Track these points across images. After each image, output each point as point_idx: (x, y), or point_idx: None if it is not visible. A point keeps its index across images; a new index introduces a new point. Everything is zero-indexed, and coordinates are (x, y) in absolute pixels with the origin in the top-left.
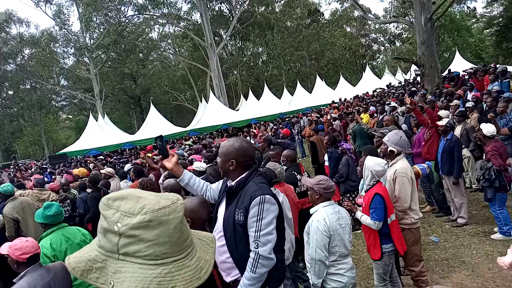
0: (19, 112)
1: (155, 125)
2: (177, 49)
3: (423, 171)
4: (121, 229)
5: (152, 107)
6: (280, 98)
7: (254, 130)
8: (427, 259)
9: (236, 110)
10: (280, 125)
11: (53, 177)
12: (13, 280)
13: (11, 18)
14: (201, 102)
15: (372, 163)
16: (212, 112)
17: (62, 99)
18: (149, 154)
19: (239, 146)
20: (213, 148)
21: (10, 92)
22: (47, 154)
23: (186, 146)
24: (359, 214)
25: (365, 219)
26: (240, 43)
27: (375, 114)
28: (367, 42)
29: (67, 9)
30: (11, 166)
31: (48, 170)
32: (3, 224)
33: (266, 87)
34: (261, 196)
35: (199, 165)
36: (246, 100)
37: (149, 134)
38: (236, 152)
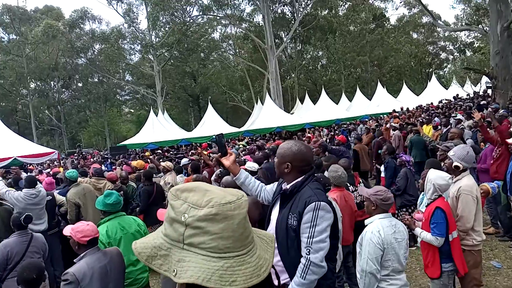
0: (86, 104)
1: (212, 123)
2: (237, 50)
3: (493, 190)
4: (187, 220)
5: (209, 106)
6: (337, 104)
7: (308, 134)
8: (486, 285)
9: (291, 113)
10: (336, 131)
11: (113, 167)
12: (74, 260)
13: (86, 15)
14: (256, 103)
15: (435, 176)
16: (267, 114)
17: (126, 93)
18: (205, 152)
19: (297, 150)
20: (266, 150)
21: (80, 85)
22: (108, 145)
23: (240, 146)
24: (418, 230)
25: (425, 235)
26: (300, 46)
27: (439, 126)
28: (434, 50)
29: (137, 7)
30: (75, 154)
31: (109, 160)
32: (67, 208)
33: (323, 92)
34: (316, 202)
35: (251, 165)
36: (302, 103)
37: (206, 132)
38: (293, 155)
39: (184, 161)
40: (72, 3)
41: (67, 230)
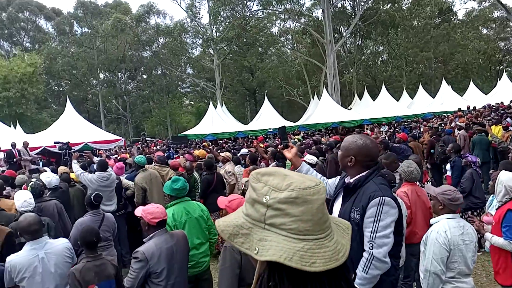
0: (150, 95)
1: (267, 117)
2: (295, 45)
3: None
4: (269, 202)
5: (266, 100)
6: (398, 100)
7: (367, 131)
8: None
9: (349, 109)
10: (397, 129)
11: (176, 155)
12: (143, 240)
13: (152, 10)
14: (313, 98)
15: (506, 178)
16: (323, 109)
17: (187, 86)
18: (261, 145)
19: (362, 144)
20: (323, 145)
21: (144, 76)
22: (170, 135)
23: (296, 140)
24: (488, 235)
25: (497, 239)
26: (360, 41)
27: (510, 127)
28: (506, 47)
29: (199, 2)
30: (139, 142)
31: (171, 149)
32: (133, 191)
33: (383, 88)
34: (381, 197)
35: (310, 158)
36: (360, 99)
37: (261, 125)
38: (358, 149)
39: (244, 151)
40: None
41: (139, 211)
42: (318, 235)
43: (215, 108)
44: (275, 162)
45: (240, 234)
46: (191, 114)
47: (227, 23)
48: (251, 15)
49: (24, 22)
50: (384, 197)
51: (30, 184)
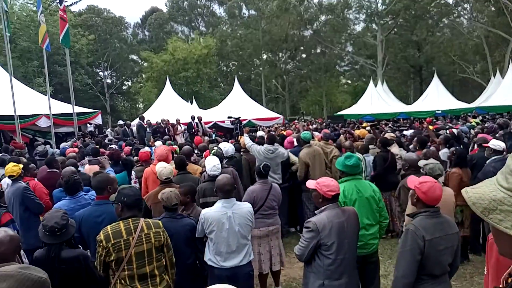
0: (308, 74)
1: (435, 97)
2: (474, 14)
3: None
4: None
5: (435, 77)
6: None
7: None
8: None
9: None
10: None
11: (335, 132)
12: (315, 212)
13: None
14: (494, 76)
15: None
16: (507, 89)
17: (345, 64)
18: (430, 127)
19: None
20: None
21: (303, 56)
22: (325, 114)
23: (473, 123)
24: None
25: None
26: None
27: None
28: None
29: None
30: (296, 120)
31: (329, 127)
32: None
33: None
34: None
35: (496, 143)
36: None
37: (428, 106)
38: None
39: (409, 132)
40: None
41: (311, 184)
42: None
43: (375, 86)
44: (446, 148)
45: (498, 210)
46: (347, 94)
47: None
48: None
49: (201, 8)
50: None
51: (212, 152)
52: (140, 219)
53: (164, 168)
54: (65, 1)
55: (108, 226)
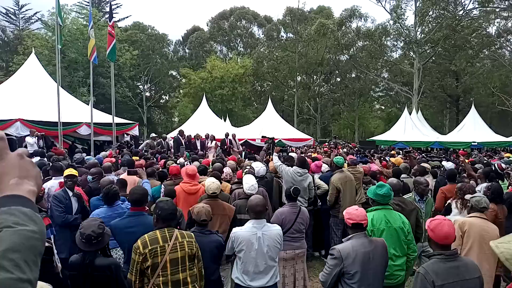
0: (341, 98)
1: (472, 128)
2: None
3: None
4: None
5: (472, 108)
6: None
7: None
8: None
9: None
10: None
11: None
12: (342, 240)
13: (354, 13)
14: None
15: None
16: None
17: (380, 90)
18: (466, 160)
19: None
20: None
21: (338, 79)
22: (356, 139)
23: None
24: None
25: None
26: None
27: None
28: None
29: (405, 3)
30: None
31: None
32: (323, 191)
33: None
34: None
35: None
36: None
37: (463, 137)
38: None
39: (450, 165)
40: (342, 2)
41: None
42: None
43: (410, 114)
44: (486, 182)
45: None
46: (380, 119)
47: (434, 24)
48: (464, 14)
49: (240, 30)
50: None
51: (245, 171)
52: (175, 229)
53: (212, 183)
54: (113, 18)
55: (145, 235)
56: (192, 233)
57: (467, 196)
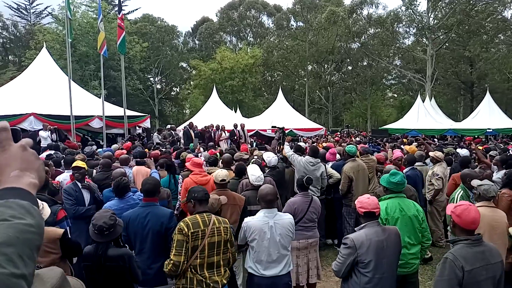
0: (353, 86)
1: (486, 115)
2: None
3: None
4: None
5: (487, 95)
6: None
7: None
8: None
9: None
10: None
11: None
12: (355, 229)
13: (366, 0)
14: None
15: None
16: None
17: (392, 77)
18: (480, 147)
19: None
20: None
21: (349, 68)
22: (369, 127)
23: None
24: None
25: None
26: None
27: None
28: None
29: None
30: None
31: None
32: (335, 180)
33: None
34: None
35: None
36: None
37: (478, 124)
38: None
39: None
40: None
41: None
42: None
43: (423, 101)
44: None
45: None
46: (392, 107)
47: (447, 9)
48: None
49: (250, 19)
50: None
51: (252, 161)
52: (212, 215)
53: (220, 170)
54: (123, 10)
55: (187, 218)
56: (226, 220)
57: (474, 183)
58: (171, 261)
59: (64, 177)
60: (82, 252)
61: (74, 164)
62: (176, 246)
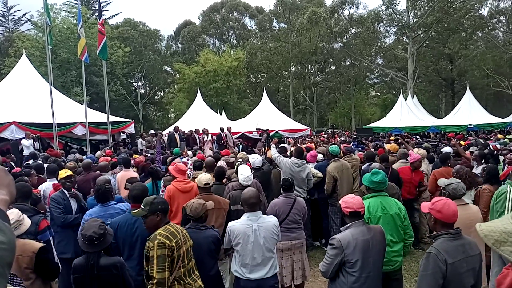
0: (337, 86)
1: (468, 111)
2: (510, 27)
3: None
4: None
5: (467, 91)
6: None
7: None
8: None
9: None
10: None
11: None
12: (340, 229)
13: (346, 0)
14: None
15: None
16: None
17: (374, 76)
18: (462, 142)
19: None
20: None
21: (333, 68)
22: (353, 126)
23: (506, 140)
24: None
25: None
26: None
27: None
28: None
29: None
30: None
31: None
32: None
33: None
34: None
35: None
36: None
37: (459, 120)
38: None
39: (447, 149)
40: None
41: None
42: None
43: (405, 99)
44: (482, 165)
45: (509, 242)
46: (376, 106)
47: (426, 8)
48: None
49: (232, 22)
50: None
51: (237, 163)
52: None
53: (204, 174)
54: (103, 15)
55: (160, 230)
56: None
57: (441, 182)
58: (154, 281)
59: (47, 186)
60: (59, 274)
61: (63, 173)
62: (158, 262)
